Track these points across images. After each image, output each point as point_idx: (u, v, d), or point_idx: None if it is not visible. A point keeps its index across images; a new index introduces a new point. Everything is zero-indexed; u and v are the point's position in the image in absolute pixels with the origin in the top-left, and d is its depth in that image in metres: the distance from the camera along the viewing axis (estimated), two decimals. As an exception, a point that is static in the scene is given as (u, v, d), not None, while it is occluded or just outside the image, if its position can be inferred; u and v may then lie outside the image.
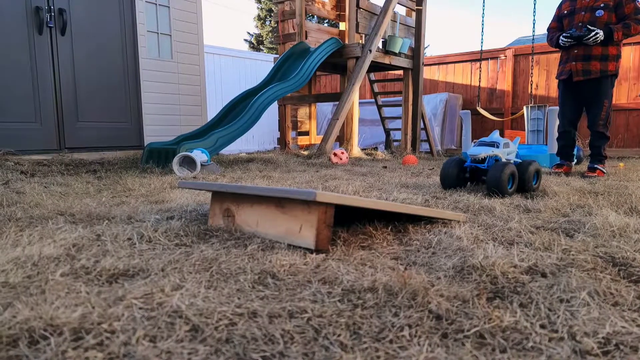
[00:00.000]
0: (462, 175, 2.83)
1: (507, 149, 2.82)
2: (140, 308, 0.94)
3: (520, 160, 2.78)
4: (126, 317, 0.89)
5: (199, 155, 3.86)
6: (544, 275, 1.19)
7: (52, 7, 4.48)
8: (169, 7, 5.53)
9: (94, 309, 0.92)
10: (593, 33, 3.58)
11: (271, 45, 19.94)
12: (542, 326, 0.89)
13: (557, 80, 4.04)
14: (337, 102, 5.99)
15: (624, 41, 3.82)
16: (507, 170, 2.52)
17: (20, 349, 0.77)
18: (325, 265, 1.25)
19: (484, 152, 2.70)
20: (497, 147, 2.76)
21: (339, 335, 0.84)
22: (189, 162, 3.86)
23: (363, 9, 6.12)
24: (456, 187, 2.81)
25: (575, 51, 3.76)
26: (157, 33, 5.45)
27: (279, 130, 7.45)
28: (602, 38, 3.59)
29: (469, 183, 2.98)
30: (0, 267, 1.19)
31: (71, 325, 0.84)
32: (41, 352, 0.76)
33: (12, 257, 1.26)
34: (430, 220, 1.83)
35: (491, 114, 7.09)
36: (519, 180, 2.66)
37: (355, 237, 1.59)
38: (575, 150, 4.18)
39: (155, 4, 5.41)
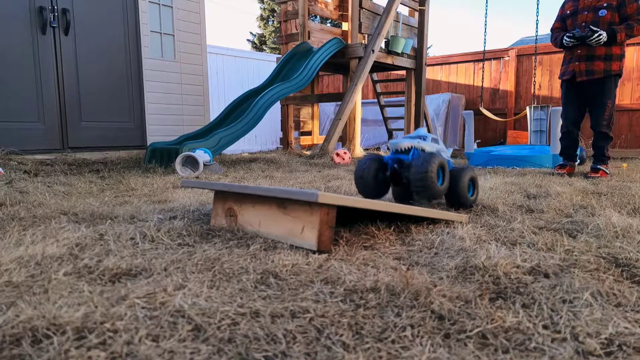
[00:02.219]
0: (382, 175, 2.19)
1: (437, 145, 2.26)
2: (142, 307, 0.94)
3: (452, 166, 2.26)
4: (129, 317, 0.89)
5: (202, 155, 3.86)
6: (546, 275, 1.19)
7: (55, 7, 4.50)
8: (172, 7, 5.54)
9: (96, 309, 0.92)
10: (596, 34, 3.56)
11: (274, 45, 19.95)
12: (545, 327, 0.89)
13: (560, 81, 4.03)
14: (340, 102, 5.99)
15: (628, 41, 3.80)
16: (434, 160, 1.94)
17: (24, 348, 0.77)
18: (328, 265, 1.25)
19: (408, 141, 2.17)
20: (424, 140, 2.23)
21: (342, 335, 0.84)
22: (191, 162, 3.87)
23: (366, 9, 6.12)
24: (375, 190, 2.19)
25: (579, 51, 3.75)
26: (160, 33, 5.46)
27: (281, 130, 7.45)
28: (605, 39, 3.57)
29: (391, 186, 2.33)
30: (4, 266, 1.19)
31: (74, 324, 0.85)
32: (44, 351, 0.76)
33: (16, 256, 1.27)
34: (432, 221, 1.83)
35: (494, 114, 7.08)
36: (451, 193, 2.15)
37: (358, 237, 1.59)
38: (579, 150, 4.17)
39: (158, 4, 5.42)
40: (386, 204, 1.53)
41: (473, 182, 2.25)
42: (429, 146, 2.17)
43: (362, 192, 2.20)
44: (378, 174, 2.17)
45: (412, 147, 2.16)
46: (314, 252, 1.36)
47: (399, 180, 2.20)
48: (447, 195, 2.17)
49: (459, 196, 2.13)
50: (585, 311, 0.95)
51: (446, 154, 2.31)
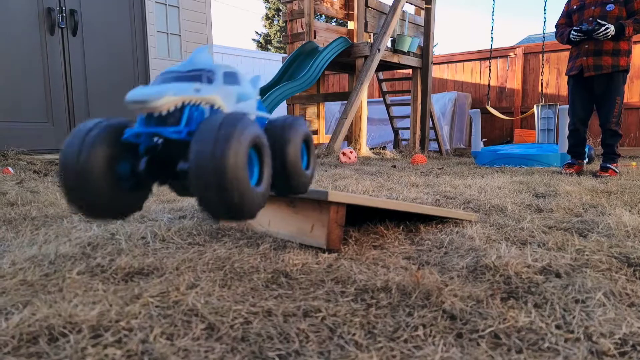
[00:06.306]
0: (126, 168, 0.99)
1: (234, 89, 1.07)
2: (156, 306, 0.95)
3: (269, 117, 1.19)
4: (143, 315, 0.90)
5: (209, 155, 3.87)
6: (558, 275, 1.18)
7: (63, 8, 4.53)
8: (178, 7, 5.56)
9: (111, 307, 0.93)
10: (604, 28, 3.54)
11: (279, 45, 19.97)
12: (558, 327, 0.89)
13: (567, 78, 4.00)
14: (346, 101, 5.98)
15: (635, 39, 3.78)
16: (240, 137, 0.87)
17: (41, 346, 0.79)
18: (338, 264, 1.25)
19: (174, 92, 0.91)
20: (208, 81, 1.00)
21: (354, 335, 0.85)
22: (198, 162, 3.87)
23: (372, 8, 6.11)
24: (114, 201, 0.96)
25: (586, 46, 3.72)
26: (167, 33, 5.48)
27: (287, 130, 7.43)
28: (613, 33, 3.55)
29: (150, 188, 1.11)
30: (18, 265, 1.20)
31: (90, 322, 0.86)
32: (61, 349, 0.78)
33: (29, 255, 1.28)
34: (441, 220, 1.83)
35: (501, 113, 7.05)
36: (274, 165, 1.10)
37: (367, 236, 1.59)
38: (587, 148, 4.13)
39: (165, 5, 5.44)
40: (395, 202, 1.53)
41: (307, 146, 1.25)
42: (217, 96, 1.00)
43: (86, 206, 0.96)
44: (114, 165, 0.97)
45: (183, 104, 0.94)
46: (323, 251, 1.37)
47: (166, 173, 1.01)
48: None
49: (287, 170, 1.11)
50: (598, 311, 0.95)
51: (253, 103, 1.15)
